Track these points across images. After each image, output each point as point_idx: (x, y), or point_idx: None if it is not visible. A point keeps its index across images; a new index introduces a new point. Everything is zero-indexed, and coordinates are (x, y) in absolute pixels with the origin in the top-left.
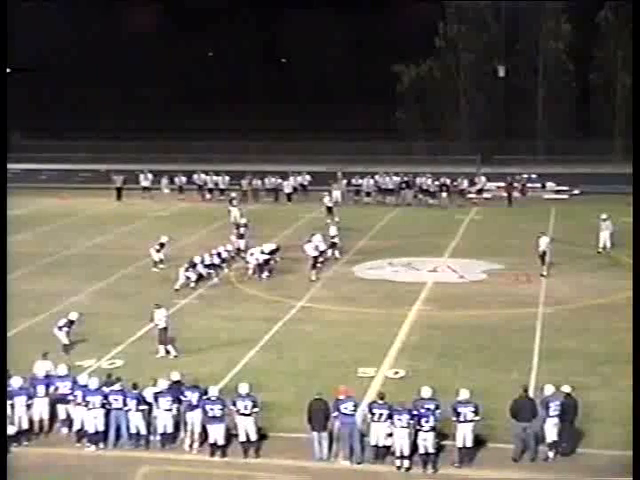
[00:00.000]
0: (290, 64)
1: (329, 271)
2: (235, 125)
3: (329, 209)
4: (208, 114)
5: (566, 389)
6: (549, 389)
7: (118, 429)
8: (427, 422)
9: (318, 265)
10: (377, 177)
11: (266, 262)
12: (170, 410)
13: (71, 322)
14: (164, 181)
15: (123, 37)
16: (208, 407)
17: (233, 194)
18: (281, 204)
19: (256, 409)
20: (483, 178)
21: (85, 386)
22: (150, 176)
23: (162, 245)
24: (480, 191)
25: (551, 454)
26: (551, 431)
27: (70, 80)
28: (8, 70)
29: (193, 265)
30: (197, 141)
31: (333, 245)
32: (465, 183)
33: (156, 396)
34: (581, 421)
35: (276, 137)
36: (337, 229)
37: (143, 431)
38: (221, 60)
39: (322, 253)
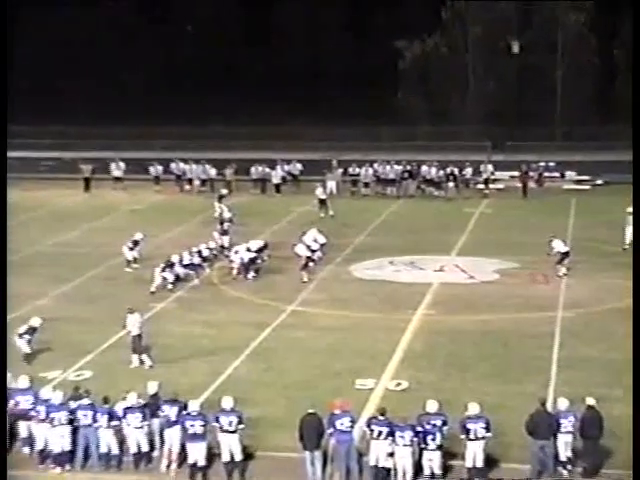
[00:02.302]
0: (279, 39)
1: (323, 271)
2: (217, 108)
3: (322, 202)
4: (187, 96)
5: (589, 401)
6: (563, 403)
7: (87, 448)
8: (433, 440)
9: (310, 265)
10: (376, 166)
11: (252, 261)
12: (141, 428)
13: (33, 329)
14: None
15: (95, 15)
16: (188, 423)
17: (224, 191)
18: (269, 196)
19: (241, 425)
20: (490, 167)
21: (49, 400)
22: (122, 165)
23: (136, 242)
24: (487, 181)
25: (565, 472)
26: (564, 449)
27: (32, 59)
28: None
29: (171, 265)
30: (175, 126)
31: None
32: (469, 172)
33: (125, 412)
34: (605, 437)
35: (263, 121)
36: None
37: (115, 450)
38: (202, 36)
39: (314, 252)
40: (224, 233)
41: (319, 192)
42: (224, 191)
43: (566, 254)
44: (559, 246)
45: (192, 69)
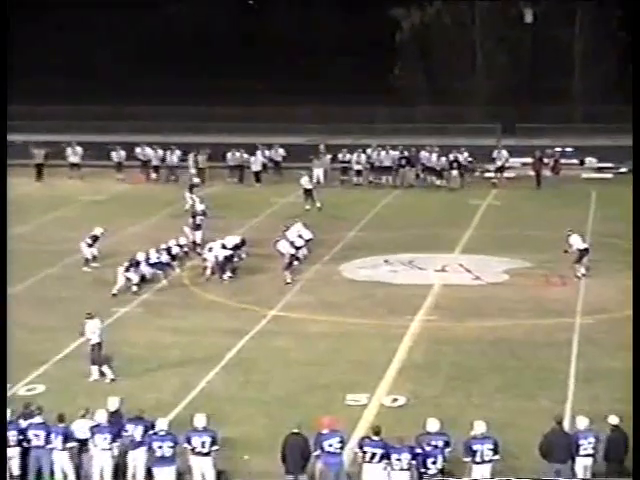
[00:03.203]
0: (261, 8)
1: (309, 271)
2: (189, 86)
3: (308, 192)
4: (156, 72)
5: (613, 420)
6: (582, 422)
7: (39, 473)
8: (434, 463)
9: (295, 264)
10: (370, 151)
11: (228, 259)
12: (110, 449)
13: None
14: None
15: None
16: (155, 445)
17: (196, 180)
18: (247, 186)
19: (215, 447)
20: (504, 152)
21: None
22: (79, 149)
23: (95, 238)
24: (501, 169)
25: None
26: (582, 474)
27: None
28: None
29: (136, 264)
30: (141, 105)
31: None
32: (465, 155)
33: (92, 431)
34: (629, 460)
35: (241, 100)
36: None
37: (71, 475)
38: (174, 3)
39: (299, 249)
40: (196, 228)
41: (304, 181)
42: (196, 180)
43: (585, 251)
44: (577, 242)
45: (162, 41)
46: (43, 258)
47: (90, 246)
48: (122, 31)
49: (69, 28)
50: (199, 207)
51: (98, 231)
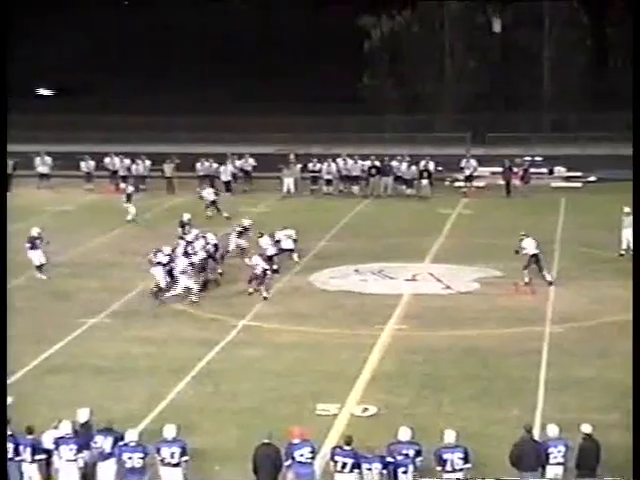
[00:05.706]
0: (226, 11)
1: (280, 280)
2: (157, 93)
3: (212, 203)
4: (122, 78)
5: (586, 429)
6: (552, 430)
7: None
8: (404, 473)
9: (268, 274)
10: (340, 161)
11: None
12: (75, 461)
13: None
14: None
15: None
16: (125, 456)
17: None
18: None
19: (185, 457)
20: (473, 161)
21: None
22: (48, 160)
23: (34, 239)
24: (470, 178)
25: None
26: None
27: None
28: None
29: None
30: (109, 114)
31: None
32: (431, 165)
33: (57, 442)
34: (602, 469)
35: (211, 109)
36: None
37: None
38: (138, 5)
39: (271, 258)
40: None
41: (207, 193)
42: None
43: (535, 257)
44: (530, 247)
45: (130, 49)
46: (9, 269)
47: (31, 248)
48: (88, 39)
49: (33, 35)
50: (185, 216)
51: (35, 231)
